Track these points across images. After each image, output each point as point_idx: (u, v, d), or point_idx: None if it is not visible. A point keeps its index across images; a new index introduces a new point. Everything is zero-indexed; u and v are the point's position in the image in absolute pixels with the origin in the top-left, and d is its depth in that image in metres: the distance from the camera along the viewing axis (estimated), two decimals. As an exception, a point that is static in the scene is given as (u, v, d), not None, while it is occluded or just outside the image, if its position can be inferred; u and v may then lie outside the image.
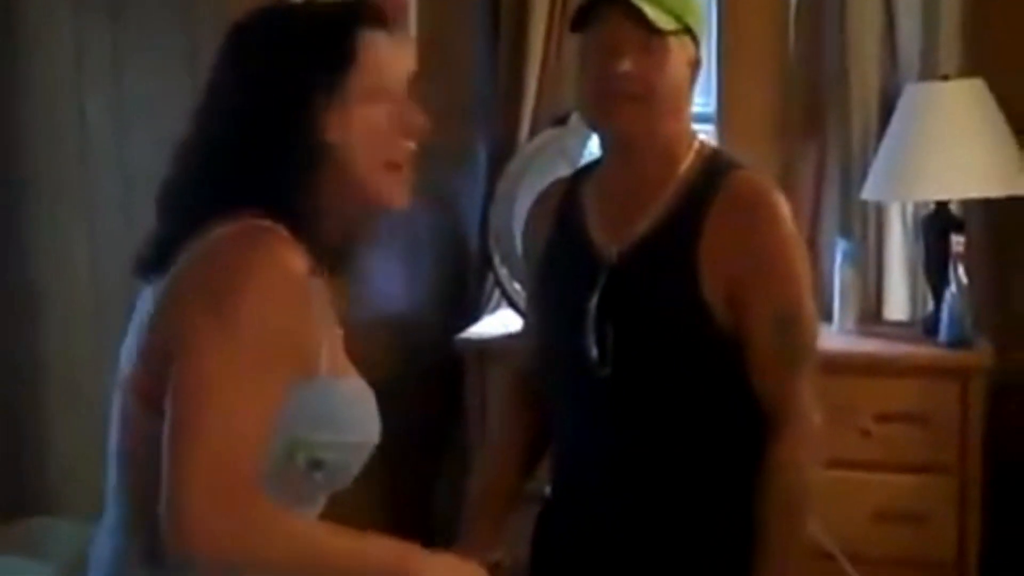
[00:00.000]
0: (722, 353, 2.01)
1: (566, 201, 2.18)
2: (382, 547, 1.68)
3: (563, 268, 2.14)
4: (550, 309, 2.17)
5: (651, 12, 1.98)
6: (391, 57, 1.79)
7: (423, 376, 3.99)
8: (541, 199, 2.29)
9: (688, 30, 2.04)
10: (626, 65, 1.98)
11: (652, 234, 2.04)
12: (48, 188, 3.20)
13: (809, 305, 2.06)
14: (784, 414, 2.00)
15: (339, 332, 1.85)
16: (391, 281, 4.00)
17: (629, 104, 2.00)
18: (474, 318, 3.96)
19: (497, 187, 3.83)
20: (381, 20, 1.77)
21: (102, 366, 2.02)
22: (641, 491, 2.06)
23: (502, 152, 3.96)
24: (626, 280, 2.04)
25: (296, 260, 1.62)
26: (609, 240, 2.08)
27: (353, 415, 1.80)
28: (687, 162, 2.07)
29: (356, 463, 1.82)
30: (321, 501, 1.84)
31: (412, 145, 1.85)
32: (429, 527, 4.07)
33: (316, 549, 1.64)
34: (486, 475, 2.27)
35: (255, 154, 1.62)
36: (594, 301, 2.03)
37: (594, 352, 2.03)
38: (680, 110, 2.08)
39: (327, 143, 1.64)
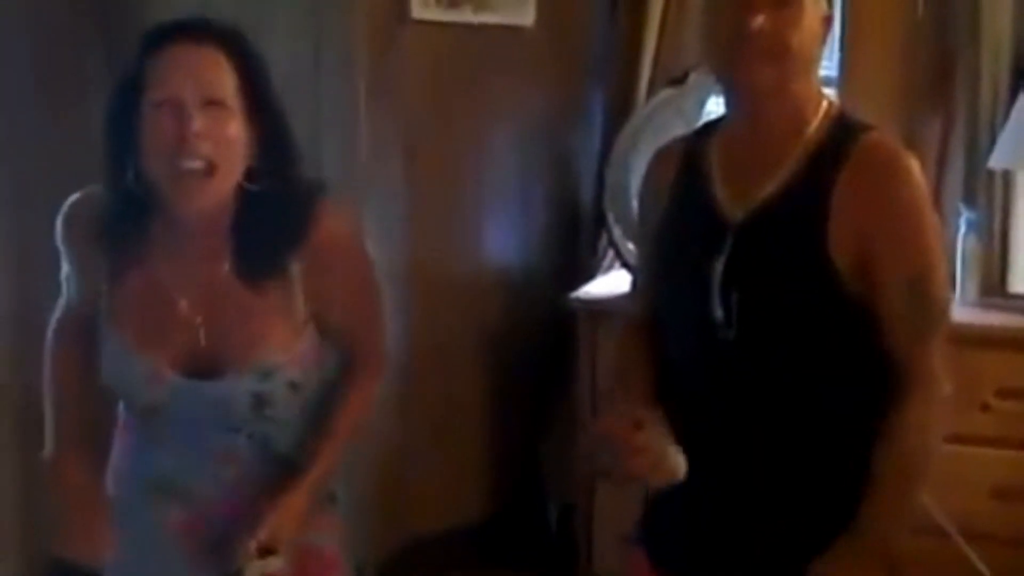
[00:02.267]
0: (850, 316, 1.97)
1: (687, 160, 2.15)
2: None
3: (685, 229, 2.11)
4: (670, 270, 2.14)
5: None
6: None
7: (535, 333, 4.00)
8: (660, 157, 2.25)
9: None
10: (760, 21, 1.94)
11: (780, 195, 2.00)
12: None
13: (941, 269, 2.01)
14: (913, 377, 1.96)
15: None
16: (505, 238, 4.00)
17: (763, 60, 1.96)
18: (588, 277, 3.94)
19: (613, 146, 3.80)
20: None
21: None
22: (764, 453, 2.04)
23: (619, 111, 3.93)
24: (753, 242, 2.00)
25: None
26: (734, 201, 2.04)
27: None
28: (816, 122, 2.03)
29: None
30: None
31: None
32: (537, 482, 4.08)
33: None
34: (627, 350, 2.22)
35: None
36: (720, 263, 2.01)
37: (719, 314, 2.00)
38: (811, 69, 2.04)
39: None
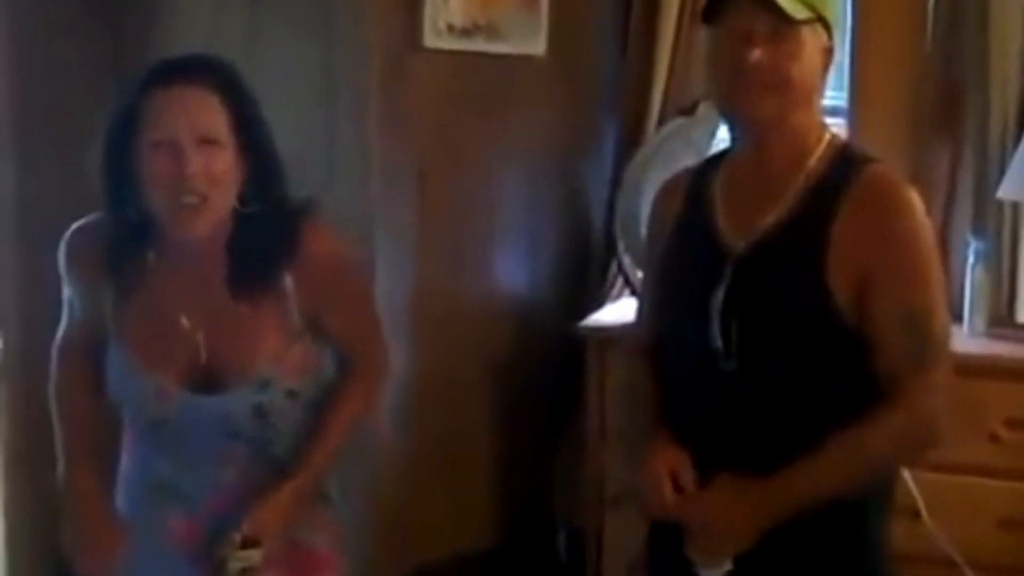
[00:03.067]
0: (849, 349, 1.98)
1: (692, 190, 2.17)
2: None
3: (688, 258, 2.12)
4: (672, 299, 2.16)
5: (784, 1, 1.96)
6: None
7: (544, 361, 4.00)
8: (667, 187, 2.27)
9: (821, 19, 2.02)
10: (759, 54, 1.96)
11: (781, 226, 2.02)
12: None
13: (940, 304, 2.02)
14: (904, 406, 1.97)
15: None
16: (515, 266, 4.01)
17: (762, 93, 1.98)
18: (597, 305, 3.95)
19: (624, 175, 3.82)
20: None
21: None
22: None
23: (630, 140, 3.95)
24: (753, 272, 2.02)
25: None
26: (736, 231, 2.06)
27: None
28: (818, 154, 2.05)
29: None
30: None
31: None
32: (545, 508, 4.08)
33: None
34: (636, 372, 2.26)
35: None
36: (720, 293, 2.02)
37: (719, 344, 2.01)
38: (812, 100, 2.06)
39: None
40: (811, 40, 2.00)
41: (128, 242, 2.17)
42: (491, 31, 3.68)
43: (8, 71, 3.44)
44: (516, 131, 3.91)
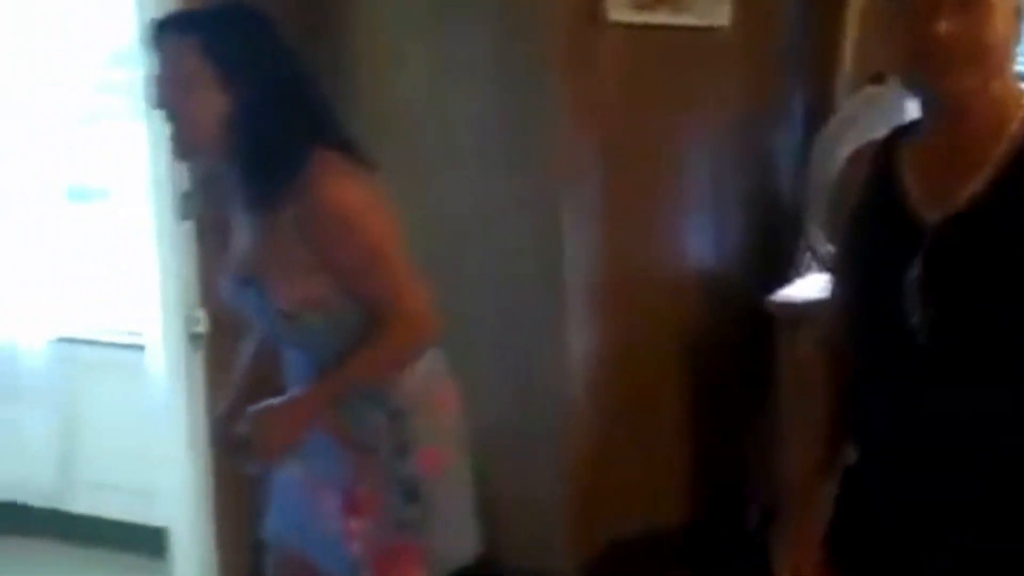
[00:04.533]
0: None
1: (879, 163, 2.10)
2: None
3: (878, 233, 2.06)
4: (863, 274, 2.09)
5: None
6: None
7: (733, 335, 3.96)
8: (852, 161, 2.20)
9: None
10: (946, 26, 1.88)
11: (982, 198, 1.94)
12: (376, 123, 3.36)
13: None
14: None
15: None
16: (702, 240, 3.98)
17: (960, 66, 1.90)
18: (786, 279, 3.89)
19: (813, 146, 3.74)
20: None
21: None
22: (959, 465, 1.98)
23: (818, 110, 3.88)
24: (951, 246, 1.94)
25: None
26: (931, 205, 1.99)
27: None
28: (1017, 120, 1.96)
29: None
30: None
31: None
32: (738, 489, 4.05)
33: None
34: (806, 453, 2.23)
35: None
36: (915, 267, 1.96)
37: (915, 320, 1.95)
38: (1008, 65, 1.97)
39: None
40: (1000, 2, 1.92)
41: None
42: (675, 3, 3.64)
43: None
44: (701, 104, 3.87)
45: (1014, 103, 1.97)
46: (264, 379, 2.65)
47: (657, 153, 3.78)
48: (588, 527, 3.77)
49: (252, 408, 2.44)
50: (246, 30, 2.41)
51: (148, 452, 3.99)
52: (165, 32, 2.40)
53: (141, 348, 4.08)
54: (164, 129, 2.48)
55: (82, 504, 4.50)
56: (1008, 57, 1.96)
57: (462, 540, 2.60)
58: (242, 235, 2.50)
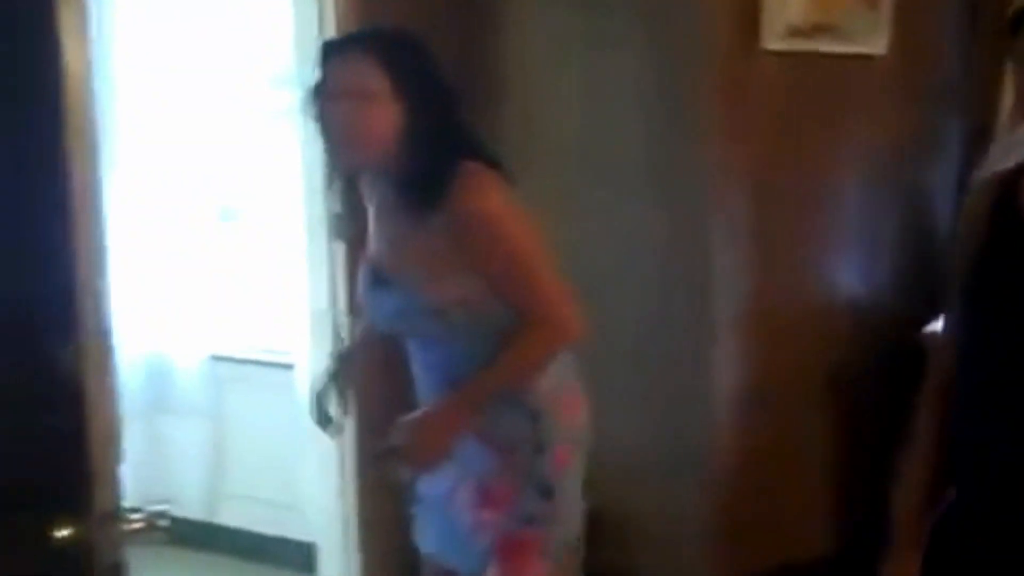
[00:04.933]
0: None
1: (1003, 192, 2.05)
2: None
3: (1006, 262, 2.01)
4: (989, 306, 2.05)
5: None
6: None
7: (883, 369, 3.89)
8: (975, 193, 2.17)
9: None
10: None
11: None
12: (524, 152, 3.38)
13: None
14: None
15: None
16: (853, 271, 3.93)
17: None
18: (939, 313, 3.81)
19: (971, 176, 3.67)
20: None
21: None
22: None
23: (977, 139, 3.80)
24: None
25: None
26: None
27: None
28: None
29: None
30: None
31: None
32: (882, 521, 3.97)
33: None
34: (915, 485, 2.21)
35: None
36: None
37: None
38: None
39: None
40: None
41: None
42: (832, 30, 3.60)
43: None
44: (856, 133, 3.82)
45: None
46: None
47: (809, 182, 3.74)
48: (729, 556, 3.73)
49: (404, 418, 2.54)
50: (416, 52, 2.56)
51: (296, 467, 4.07)
52: (347, 49, 2.56)
53: (289, 366, 4.17)
54: (320, 146, 2.63)
55: (232, 517, 4.59)
56: None
57: (574, 525, 2.74)
58: (383, 238, 2.65)
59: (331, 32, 3.44)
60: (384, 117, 2.49)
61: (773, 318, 3.70)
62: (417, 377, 2.69)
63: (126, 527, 1.22)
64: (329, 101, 2.52)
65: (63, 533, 1.13)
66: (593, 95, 3.71)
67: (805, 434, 3.88)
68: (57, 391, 1.08)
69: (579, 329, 2.59)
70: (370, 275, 2.66)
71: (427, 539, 2.77)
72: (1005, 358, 1.98)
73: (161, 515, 1.29)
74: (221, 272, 4.71)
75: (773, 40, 3.49)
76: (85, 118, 1.09)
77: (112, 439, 1.16)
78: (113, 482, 1.19)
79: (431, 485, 2.69)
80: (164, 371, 4.63)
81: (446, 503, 2.67)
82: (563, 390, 2.69)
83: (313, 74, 2.57)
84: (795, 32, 3.51)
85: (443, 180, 2.49)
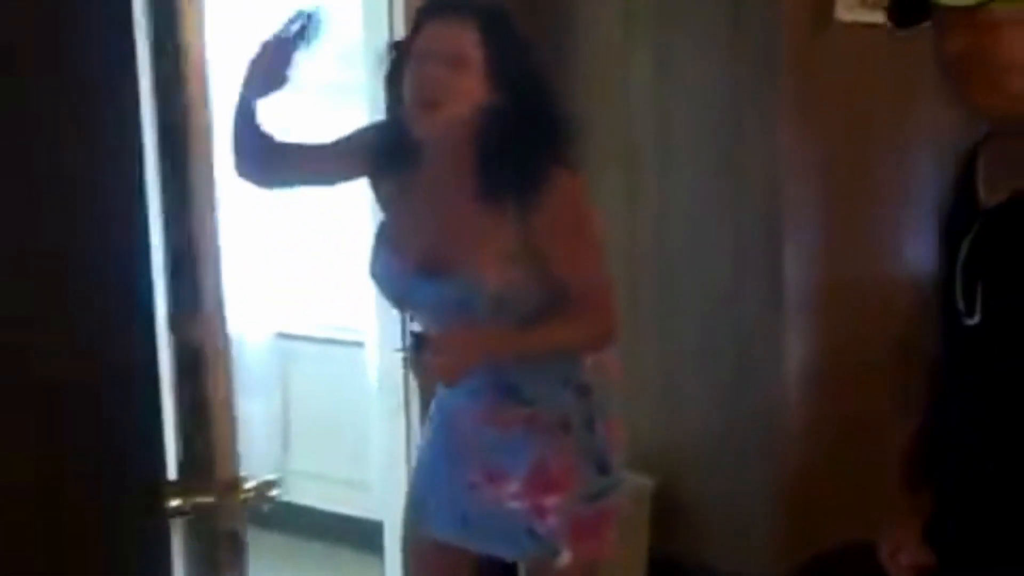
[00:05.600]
0: None
1: (967, 156, 2.10)
2: None
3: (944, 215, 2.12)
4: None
5: None
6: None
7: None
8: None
9: None
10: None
11: None
12: (596, 130, 3.38)
13: None
14: None
15: None
16: (923, 250, 3.86)
17: None
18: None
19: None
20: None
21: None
22: (1012, 452, 1.94)
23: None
24: (1004, 224, 1.93)
25: None
26: (994, 186, 1.98)
27: None
28: None
29: None
30: None
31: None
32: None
33: None
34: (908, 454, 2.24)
35: None
36: (965, 246, 1.97)
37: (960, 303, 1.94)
38: None
39: None
40: None
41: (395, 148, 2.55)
42: (906, 3, 3.55)
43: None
44: (929, 105, 3.76)
45: None
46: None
47: (880, 158, 3.70)
48: (793, 537, 3.72)
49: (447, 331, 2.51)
50: (515, 31, 2.50)
51: (364, 446, 4.07)
52: (449, 14, 2.46)
53: (357, 344, 4.17)
54: (388, 109, 2.56)
55: (299, 495, 4.61)
56: None
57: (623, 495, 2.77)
58: (428, 229, 2.54)
59: (400, 10, 3.43)
60: (470, 88, 2.43)
61: (842, 294, 3.68)
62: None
63: (243, 496, 1.22)
64: (418, 61, 2.44)
65: (182, 502, 1.14)
66: (664, 72, 3.69)
67: (874, 412, 3.84)
68: (178, 361, 1.08)
69: (617, 335, 2.57)
70: (414, 269, 2.54)
71: (442, 525, 2.70)
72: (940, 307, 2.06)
73: (271, 484, 1.29)
74: (291, 250, 4.72)
75: (847, 11, 3.45)
76: (202, 92, 1.09)
77: (230, 408, 1.16)
78: (232, 451, 1.19)
79: (451, 472, 2.65)
80: (233, 348, 4.65)
81: (474, 494, 2.62)
82: (604, 361, 2.67)
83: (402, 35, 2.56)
84: (870, 3, 3.47)
85: (526, 169, 2.44)
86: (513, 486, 2.57)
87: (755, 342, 3.68)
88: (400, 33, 3.46)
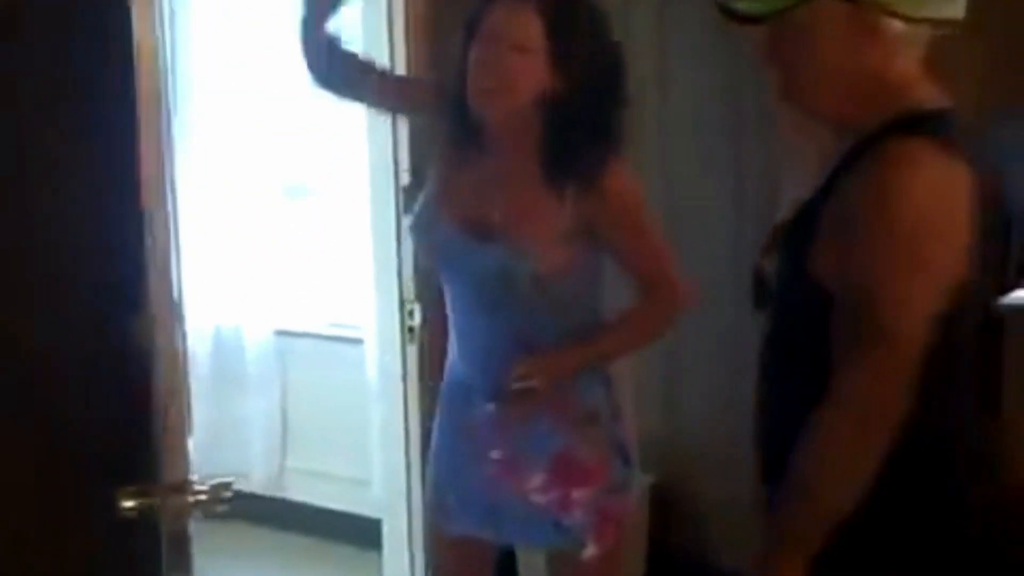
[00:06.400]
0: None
1: None
2: None
3: None
4: None
5: None
6: None
7: (962, 338, 3.81)
8: None
9: None
10: None
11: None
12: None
13: (897, 291, 1.94)
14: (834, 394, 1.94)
15: None
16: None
17: None
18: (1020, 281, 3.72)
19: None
20: None
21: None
22: None
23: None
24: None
25: None
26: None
27: None
28: None
29: None
30: None
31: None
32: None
33: None
34: None
35: None
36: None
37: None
38: None
39: None
40: None
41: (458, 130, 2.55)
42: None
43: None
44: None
45: None
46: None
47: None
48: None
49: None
50: (584, 12, 2.47)
51: (363, 443, 4.05)
52: None
53: (356, 341, 4.15)
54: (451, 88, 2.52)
55: (298, 492, 4.60)
56: None
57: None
58: (485, 196, 2.53)
59: (400, 28, 3.40)
60: (532, 73, 2.41)
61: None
62: (471, 341, 2.62)
63: (191, 499, 1.20)
64: (478, 43, 2.43)
65: (130, 503, 1.11)
66: (668, 33, 3.71)
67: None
68: (126, 362, 1.05)
69: (697, 295, 2.61)
70: (462, 231, 2.54)
71: (466, 519, 2.69)
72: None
73: (225, 487, 1.26)
74: (289, 247, 4.70)
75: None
76: (154, 87, 1.06)
77: (180, 411, 1.13)
78: (181, 453, 1.17)
79: (472, 465, 2.64)
80: (232, 346, 4.63)
81: (499, 487, 2.61)
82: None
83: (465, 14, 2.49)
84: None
85: (588, 157, 2.45)
86: (537, 479, 2.57)
87: (755, 341, 3.64)
88: (400, 51, 3.44)
